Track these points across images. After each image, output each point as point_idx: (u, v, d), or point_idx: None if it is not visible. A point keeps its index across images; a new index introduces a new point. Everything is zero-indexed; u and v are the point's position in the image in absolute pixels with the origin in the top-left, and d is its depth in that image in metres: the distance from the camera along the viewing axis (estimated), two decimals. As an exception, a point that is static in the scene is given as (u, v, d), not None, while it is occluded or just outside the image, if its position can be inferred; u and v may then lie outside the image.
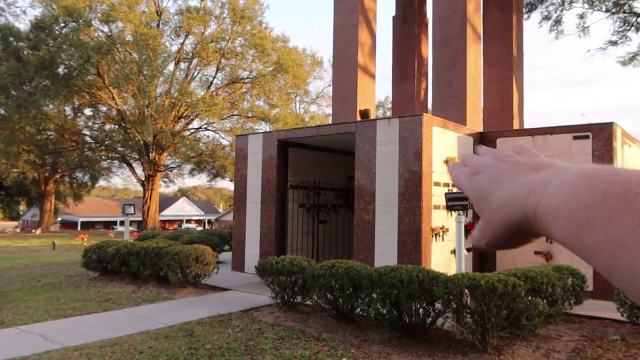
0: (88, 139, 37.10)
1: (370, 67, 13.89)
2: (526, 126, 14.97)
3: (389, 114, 45.48)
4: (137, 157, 35.61)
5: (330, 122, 14.61)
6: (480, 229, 0.54)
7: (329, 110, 36.38)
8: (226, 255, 13.36)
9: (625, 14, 19.36)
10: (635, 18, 19.32)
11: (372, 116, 12.06)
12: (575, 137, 8.95)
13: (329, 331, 6.17)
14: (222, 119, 34.94)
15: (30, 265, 14.40)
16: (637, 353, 5.42)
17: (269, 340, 5.73)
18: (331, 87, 14.27)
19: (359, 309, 6.41)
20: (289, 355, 5.17)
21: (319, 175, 11.72)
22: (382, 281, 5.79)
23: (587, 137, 8.79)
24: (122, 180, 48.68)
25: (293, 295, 7.27)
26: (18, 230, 47.99)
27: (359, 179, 9.03)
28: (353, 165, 9.20)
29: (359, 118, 11.33)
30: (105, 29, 32.54)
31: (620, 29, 19.63)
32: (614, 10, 19.27)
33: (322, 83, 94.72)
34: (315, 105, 47.77)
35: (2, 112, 33.25)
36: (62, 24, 31.22)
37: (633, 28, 19.47)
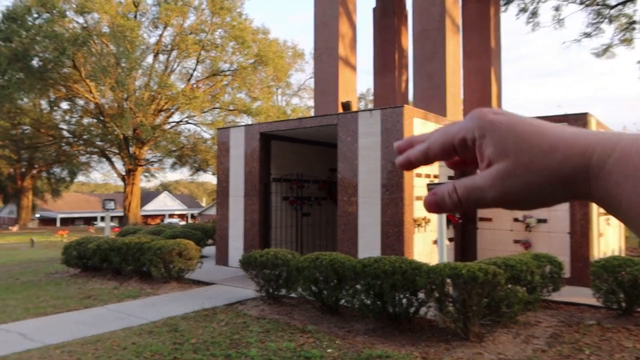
0: (65, 133, 36.45)
1: (351, 59, 13.90)
2: (505, 117, 15.14)
3: (370, 106, 45.59)
4: (116, 151, 35.12)
5: (313, 115, 14.61)
6: (495, 176, 0.44)
7: (311, 103, 36.35)
8: (210, 250, 13.32)
9: (599, 6, 19.68)
10: (608, 10, 19.66)
11: (354, 108, 12.10)
12: (552, 128, 9.10)
13: (314, 323, 6.22)
14: (203, 112, 34.65)
15: (7, 263, 14.16)
16: (612, 337, 5.59)
17: (254, 334, 5.76)
18: (313, 79, 14.23)
19: (343, 301, 6.47)
20: (274, 347, 5.21)
21: (302, 168, 11.73)
22: (365, 272, 5.85)
23: (564, 127, 8.95)
24: (102, 175, 47.89)
25: (278, 288, 7.30)
26: (-6, 227, 47.02)
27: (341, 171, 9.07)
28: (336, 158, 9.23)
29: (340, 110, 11.36)
30: (81, 20, 31.91)
31: (594, 21, 19.95)
32: (587, 2, 19.57)
33: (303, 75, 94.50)
34: (297, 97, 47.62)
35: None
36: (35, 15, 30.50)
37: (606, 20, 19.81)
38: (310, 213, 12.13)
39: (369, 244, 8.54)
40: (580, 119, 8.80)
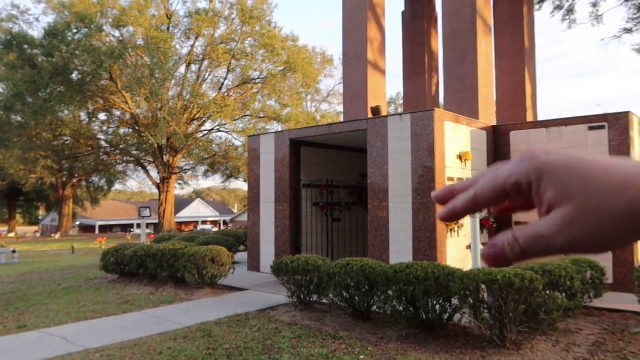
0: (103, 143, 37.56)
1: (381, 63, 13.84)
2: (540, 118, 14.81)
3: (400, 110, 45.28)
4: (151, 160, 35.94)
5: (342, 120, 14.59)
6: (561, 222, 0.41)
7: (341, 109, 36.35)
8: (242, 256, 13.44)
9: (640, 1, 19.02)
10: (650, 4, 18.96)
11: (384, 113, 12.02)
12: (590, 128, 8.83)
13: (345, 329, 6.18)
14: (234, 120, 35.12)
15: (50, 269, 14.64)
16: (660, 345, 5.34)
17: (287, 339, 5.76)
18: (342, 84, 14.24)
19: (375, 307, 6.41)
20: (306, 354, 5.19)
21: (331, 174, 11.72)
22: (397, 278, 5.78)
23: (603, 127, 8.66)
24: (138, 183, 49.24)
25: (309, 294, 7.29)
26: (38, 235, 48.80)
27: (372, 176, 9.01)
28: (366, 163, 9.19)
29: (370, 115, 11.31)
30: (117, 33, 32.88)
31: (635, 16, 19.27)
32: (627, -3, 18.94)
33: (332, 81, 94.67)
34: (326, 103, 47.75)
35: (19, 119, 33.81)
36: (75, 30, 31.61)
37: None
38: (340, 219, 12.10)
39: (400, 250, 8.44)
40: (621, 118, 8.50)
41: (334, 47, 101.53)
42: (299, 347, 5.44)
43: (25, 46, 32.10)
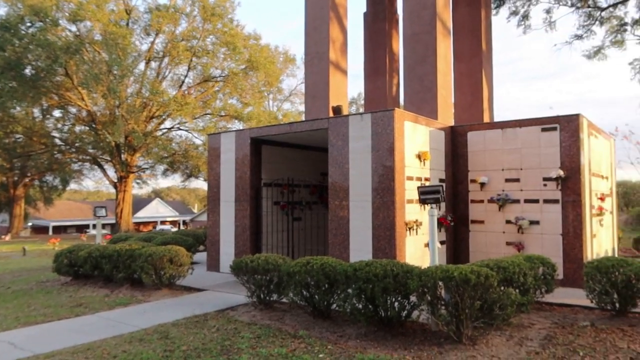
0: (58, 141, 36.20)
1: (342, 63, 13.90)
2: (496, 119, 15.23)
3: (361, 110, 45.70)
4: (108, 158, 34.92)
5: (304, 119, 14.57)
6: None
7: (303, 108, 36.35)
8: (201, 256, 13.23)
9: (590, 8, 19.84)
10: (599, 12, 19.82)
11: (345, 112, 12.08)
12: (543, 129, 9.14)
13: (305, 328, 6.17)
14: (195, 119, 34.54)
15: (-2, 272, 13.99)
16: (607, 338, 5.57)
17: (245, 340, 5.70)
18: (304, 84, 14.22)
19: (335, 305, 6.42)
20: (265, 353, 5.15)
21: (293, 173, 11.69)
22: (357, 276, 5.81)
23: (555, 128, 8.99)
24: (94, 182, 47.56)
25: (269, 294, 7.24)
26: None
27: (332, 175, 9.04)
28: (327, 162, 9.20)
29: (331, 114, 11.34)
30: (73, 28, 31.78)
31: (585, 23, 20.10)
32: (579, 4, 19.73)
33: (295, 80, 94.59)
34: (288, 102, 47.56)
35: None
36: (29, 24, 30.33)
37: (597, 22, 19.97)
38: (301, 218, 12.09)
39: (360, 248, 8.50)
40: (572, 121, 8.83)
41: (297, 47, 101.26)
42: (258, 347, 5.38)
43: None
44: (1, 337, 6.18)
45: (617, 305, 6.44)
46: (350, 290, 5.94)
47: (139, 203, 63.17)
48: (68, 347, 5.60)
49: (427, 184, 9.07)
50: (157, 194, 78.06)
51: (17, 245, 27.53)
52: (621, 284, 6.26)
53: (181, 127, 36.07)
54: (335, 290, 6.25)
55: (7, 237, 38.90)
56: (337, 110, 10.45)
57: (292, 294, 6.65)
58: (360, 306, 5.80)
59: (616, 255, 10.13)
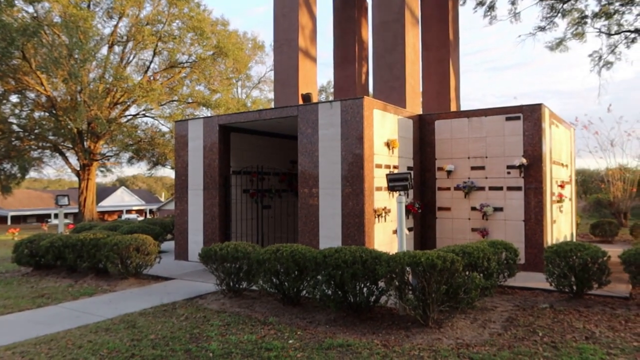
0: (15, 127, 34.81)
1: (312, 50, 13.84)
2: (462, 109, 15.49)
3: (331, 98, 45.66)
4: (70, 145, 33.83)
5: (270, 107, 14.47)
6: None
7: (272, 95, 36.08)
8: (169, 245, 13.06)
9: (553, 1, 20.30)
10: (561, 5, 20.31)
11: (315, 100, 12.06)
12: (507, 119, 9.36)
13: (275, 315, 6.19)
14: (161, 105, 33.79)
15: (-46, 263, 13.46)
16: (564, 318, 5.81)
17: (215, 327, 5.68)
18: (273, 71, 14.10)
19: (304, 292, 6.47)
20: (235, 340, 5.15)
21: (262, 160, 11.63)
22: (326, 263, 5.86)
23: (518, 118, 9.21)
24: (55, 170, 46.01)
25: (238, 281, 7.22)
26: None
27: (302, 163, 9.04)
28: (296, 150, 9.19)
29: (301, 102, 11.30)
30: (31, 9, 30.44)
31: (548, 15, 20.56)
32: (542, -4, 20.14)
33: (264, 68, 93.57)
34: (257, 90, 47.10)
35: None
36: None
37: (560, 14, 20.46)
38: (271, 205, 12.06)
39: (330, 235, 8.56)
40: (534, 110, 9.07)
41: (265, 34, 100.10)
42: (228, 334, 5.38)
43: None
44: (-41, 330, 5.97)
45: (575, 287, 6.72)
46: (319, 277, 5.99)
47: (104, 192, 61.66)
48: (30, 339, 5.46)
49: (396, 171, 9.18)
50: (123, 182, 76.35)
51: (-26, 236, 26.49)
52: (578, 267, 6.53)
53: (147, 114, 35.26)
54: (305, 277, 6.29)
55: (-37, 227, 37.38)
56: (307, 97, 10.43)
57: (262, 282, 6.66)
58: (330, 292, 5.86)
59: (574, 241, 10.53)
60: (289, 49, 13.40)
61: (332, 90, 38.01)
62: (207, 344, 5.07)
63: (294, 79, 13.23)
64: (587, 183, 25.53)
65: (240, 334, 5.41)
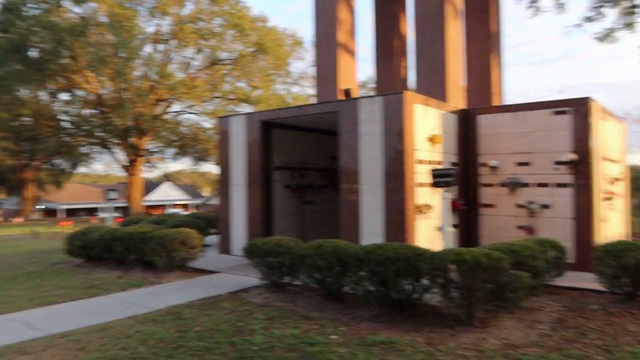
0: (66, 124, 36.31)
1: (351, 45, 13.79)
2: (504, 103, 15.09)
3: (372, 94, 45.35)
4: (117, 141, 35.02)
5: (311, 103, 14.52)
6: None
7: (312, 91, 36.17)
8: (212, 239, 13.33)
9: (602, -10, 19.41)
10: (611, -7, 19.40)
11: (355, 95, 12.03)
12: (554, 113, 9.05)
13: (317, 310, 6.23)
14: (203, 102, 34.49)
15: (11, 254, 14.20)
16: (617, 321, 5.59)
17: (258, 321, 5.77)
18: (313, 67, 14.15)
19: (346, 287, 6.47)
20: (278, 334, 5.21)
21: (303, 156, 11.70)
22: (369, 259, 5.84)
23: (565, 112, 8.90)
24: (104, 165, 47.87)
25: (281, 276, 7.30)
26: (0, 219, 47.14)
27: (343, 159, 9.03)
28: (337, 145, 9.19)
29: (342, 97, 11.29)
30: (78, 9, 31.60)
31: (596, 5, 19.68)
32: (591, -15, 19.30)
33: (303, 64, 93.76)
34: (297, 86, 47.22)
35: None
36: (33, 6, 30.19)
37: (608, 4, 19.56)
38: (312, 201, 12.12)
39: (371, 231, 8.53)
40: (582, 104, 8.73)
41: (303, 31, 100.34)
42: (271, 328, 5.45)
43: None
44: (16, 317, 6.29)
45: (628, 289, 6.44)
46: (362, 273, 5.98)
47: (149, 186, 63.55)
48: (82, 327, 5.70)
49: (440, 167, 9.04)
50: (168, 177, 78.40)
51: (28, 228, 27.88)
52: (632, 268, 6.25)
53: (190, 111, 36.05)
54: (347, 273, 6.29)
55: (18, 220, 39.35)
56: (347, 93, 10.40)
57: (304, 277, 6.71)
58: (373, 289, 5.85)
59: (628, 240, 10.08)
60: (328, 44, 13.39)
61: (372, 86, 37.76)
62: (251, 337, 5.16)
63: (334, 74, 13.22)
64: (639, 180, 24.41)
65: (284, 328, 5.47)
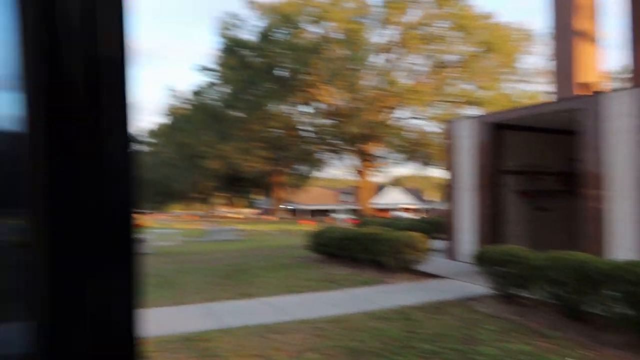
0: (307, 134, 40.79)
1: (594, 34, 12.18)
2: None
3: (622, 85, 39.13)
4: (350, 148, 37.79)
5: (548, 100, 13.27)
6: None
7: (542, 88, 33.05)
8: (439, 243, 13.36)
9: None
10: None
11: (598, 89, 10.60)
12: None
13: (552, 327, 5.73)
14: (429, 106, 34.73)
15: (265, 247, 16.69)
16: None
17: (487, 332, 5.60)
18: (546, 61, 12.96)
19: (587, 306, 5.78)
20: (509, 348, 4.98)
21: (535, 159, 10.84)
22: (621, 277, 5.11)
23: None
24: (336, 170, 52.49)
25: (511, 287, 6.92)
26: (258, 216, 55.97)
27: (585, 161, 8.08)
28: (575, 146, 8.27)
29: (584, 92, 10.10)
30: (314, 29, 35.01)
31: None
32: None
33: (533, 58, 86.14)
34: (526, 83, 43.75)
35: (238, 114, 38.79)
36: (281, 31, 34.80)
37: None
38: (545, 207, 11.11)
39: (619, 244, 7.42)
40: None
41: (534, 24, 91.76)
42: (502, 341, 5.24)
43: (242, 50, 36.45)
44: (272, 302, 7.41)
45: None
46: (608, 292, 5.27)
47: (378, 190, 66.79)
48: (322, 317, 6.38)
49: None
50: (394, 181, 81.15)
51: (278, 225, 32.28)
52: None
53: (416, 116, 36.71)
54: (589, 290, 5.63)
55: (270, 217, 45.90)
56: (591, 87, 9.27)
57: (538, 290, 6.24)
58: (623, 311, 5.10)
59: None
60: (566, 35, 12.10)
61: (622, 76, 32.59)
62: (479, 347, 5.04)
63: (573, 68, 11.88)
64: None
65: (514, 342, 5.20)
